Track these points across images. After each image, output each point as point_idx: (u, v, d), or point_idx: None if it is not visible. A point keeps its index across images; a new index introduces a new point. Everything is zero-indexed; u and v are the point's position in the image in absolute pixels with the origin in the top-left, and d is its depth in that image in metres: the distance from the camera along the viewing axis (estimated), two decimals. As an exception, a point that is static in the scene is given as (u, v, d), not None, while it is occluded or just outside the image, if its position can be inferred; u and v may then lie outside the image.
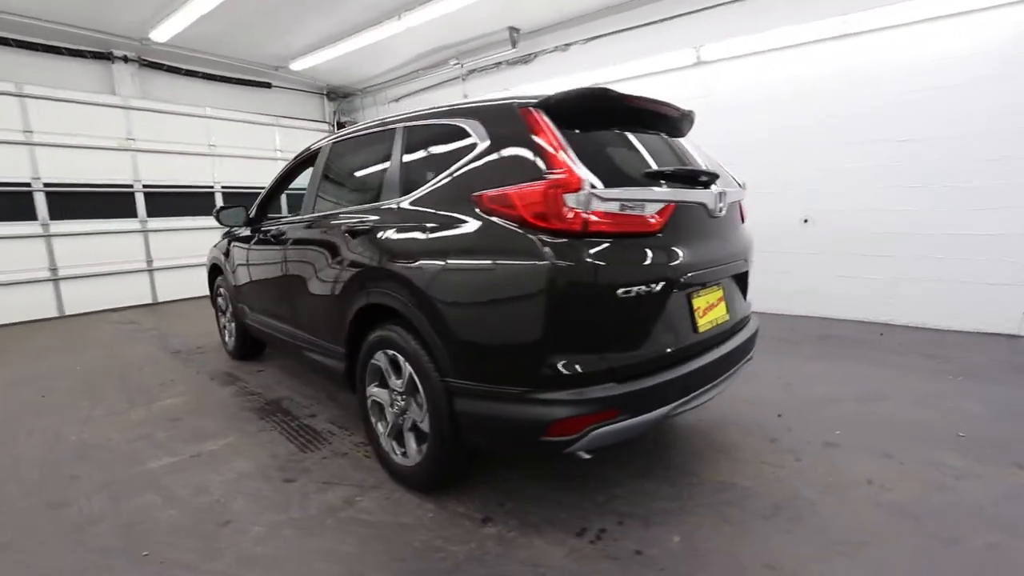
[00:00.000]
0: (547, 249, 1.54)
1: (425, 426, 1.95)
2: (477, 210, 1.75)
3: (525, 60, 6.83)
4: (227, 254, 3.80)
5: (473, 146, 1.88)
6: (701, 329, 1.90)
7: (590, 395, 1.58)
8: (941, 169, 4.06)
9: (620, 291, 1.59)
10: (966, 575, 1.57)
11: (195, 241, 7.21)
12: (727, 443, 2.49)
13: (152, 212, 6.77)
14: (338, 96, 9.32)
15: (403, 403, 2.08)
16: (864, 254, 4.50)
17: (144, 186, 6.67)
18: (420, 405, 1.98)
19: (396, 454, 2.17)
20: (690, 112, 2.28)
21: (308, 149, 3.10)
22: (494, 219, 1.69)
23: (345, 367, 2.41)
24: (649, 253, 1.68)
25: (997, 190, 3.87)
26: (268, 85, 8.09)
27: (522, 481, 2.16)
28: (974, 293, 4.05)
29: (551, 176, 1.57)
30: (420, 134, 2.20)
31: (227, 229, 4.27)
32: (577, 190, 1.55)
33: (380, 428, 2.27)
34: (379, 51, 6.97)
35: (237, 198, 7.65)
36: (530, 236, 1.58)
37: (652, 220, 1.70)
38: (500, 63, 7.04)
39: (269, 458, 2.45)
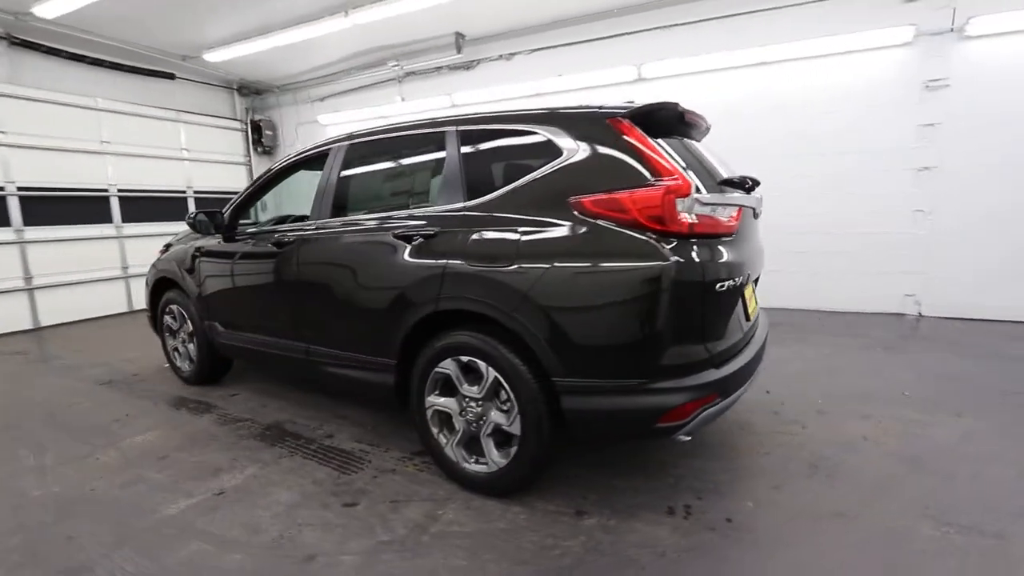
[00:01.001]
0: (667, 249, 1.67)
1: (514, 429, 1.96)
2: (575, 213, 1.82)
3: (467, 66, 6.86)
4: (191, 266, 3.34)
5: (555, 151, 1.94)
6: (751, 318, 2.16)
7: (699, 381, 1.74)
8: (850, 180, 4.92)
9: (718, 285, 1.77)
10: (976, 498, 1.99)
11: (87, 252, 6.14)
12: (739, 420, 2.80)
13: (30, 220, 5.60)
14: (251, 92, 8.51)
15: (479, 409, 2.06)
16: (790, 251, 5.26)
17: (19, 188, 5.49)
18: (506, 409, 1.99)
19: (467, 462, 2.13)
20: (710, 124, 2.56)
21: (309, 151, 2.86)
22: (599, 222, 1.77)
23: (395, 379, 2.30)
24: (731, 251, 1.89)
25: (892, 196, 4.79)
26: (171, 76, 7.13)
27: (590, 475, 2.25)
28: (873, 281, 4.96)
29: (665, 182, 1.70)
30: (482, 138, 2.19)
31: (168, 241, 3.83)
32: (687, 195, 1.69)
33: (443, 438, 2.21)
34: (309, 47, 6.50)
35: (140, 203, 6.66)
36: (646, 238, 1.69)
37: (731, 222, 1.91)
38: (441, 67, 6.99)
39: (312, 485, 2.24)
